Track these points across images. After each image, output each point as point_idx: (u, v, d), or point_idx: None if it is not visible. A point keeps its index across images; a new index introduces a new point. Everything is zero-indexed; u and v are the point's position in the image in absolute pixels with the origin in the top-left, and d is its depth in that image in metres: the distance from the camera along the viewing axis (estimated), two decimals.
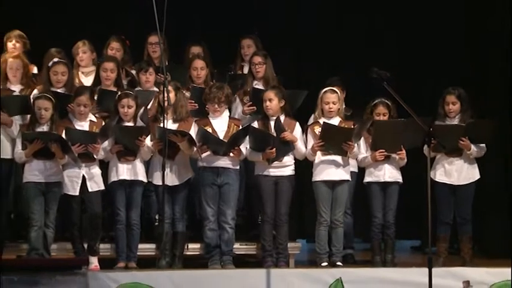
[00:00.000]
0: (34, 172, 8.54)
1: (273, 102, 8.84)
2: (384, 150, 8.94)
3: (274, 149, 8.77)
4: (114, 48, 9.59)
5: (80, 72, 9.38)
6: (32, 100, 8.72)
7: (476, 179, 9.13)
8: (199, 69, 9.33)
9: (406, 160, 9.03)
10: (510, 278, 8.43)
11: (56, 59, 9.16)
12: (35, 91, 8.90)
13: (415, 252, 10.39)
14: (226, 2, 10.79)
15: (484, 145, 9.08)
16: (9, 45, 9.36)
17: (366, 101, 9.21)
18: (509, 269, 8.42)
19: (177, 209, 8.81)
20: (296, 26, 10.97)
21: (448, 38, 10.81)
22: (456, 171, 9.06)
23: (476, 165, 9.11)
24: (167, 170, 8.41)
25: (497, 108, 10.06)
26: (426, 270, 7.55)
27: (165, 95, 8.30)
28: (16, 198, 9.05)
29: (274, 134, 8.85)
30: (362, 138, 9.03)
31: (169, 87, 8.58)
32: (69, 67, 9.15)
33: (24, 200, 8.70)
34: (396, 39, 10.99)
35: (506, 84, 10.13)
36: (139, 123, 8.84)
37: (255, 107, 9.23)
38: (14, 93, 8.86)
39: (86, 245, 8.70)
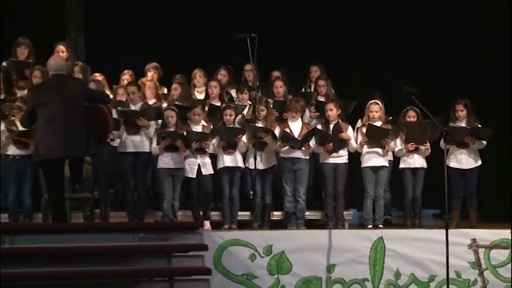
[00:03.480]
0: (165, 161, 8.65)
1: (332, 111, 8.95)
2: (414, 143, 8.95)
3: (331, 144, 8.85)
4: (222, 74, 9.68)
5: (195, 91, 9.52)
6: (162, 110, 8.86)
7: (479, 164, 9.05)
8: (279, 88, 9.41)
9: (430, 151, 8.99)
10: (505, 237, 8.36)
11: (178, 81, 9.32)
12: (165, 104, 9.04)
13: (436, 218, 10.33)
14: (300, 40, 10.96)
15: (484, 141, 9.00)
16: (148, 73, 9.59)
17: (399, 109, 9.21)
18: (505, 230, 8.37)
19: (265, 187, 8.89)
20: (350, 61, 10.93)
21: (458, 60, 10.72)
22: (464, 159, 9.01)
23: (478, 154, 9.06)
24: (258, 159, 8.61)
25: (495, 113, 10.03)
26: (444, 231, 7.58)
27: (257, 107, 8.62)
28: (153, 179, 9.18)
29: (331, 133, 8.92)
30: (398, 136, 9.03)
31: (263, 105, 8.82)
32: (188, 87, 9.29)
33: (158, 181, 8.83)
34: (421, 62, 10.91)
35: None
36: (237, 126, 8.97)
37: (318, 113, 9.32)
38: (151, 106, 9.01)
39: (201, 213, 8.80)
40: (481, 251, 8.45)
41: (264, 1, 11.11)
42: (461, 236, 8.40)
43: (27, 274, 7.01)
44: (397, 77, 9.61)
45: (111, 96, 8.99)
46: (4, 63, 9.21)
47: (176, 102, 9.08)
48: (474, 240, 8.46)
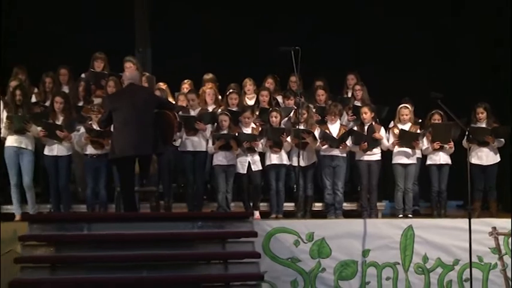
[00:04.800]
0: (219, 159, 8.69)
1: (367, 114, 8.95)
2: (439, 142, 8.89)
3: (366, 143, 8.85)
4: (269, 82, 9.68)
5: (246, 98, 9.51)
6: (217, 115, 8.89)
7: (498, 161, 8.97)
8: (321, 96, 9.43)
9: (453, 149, 8.94)
10: None
11: (231, 90, 9.35)
12: (219, 110, 9.08)
13: (459, 209, 10.14)
14: (338, 52, 10.87)
15: (503, 139, 8.92)
16: (206, 84, 9.54)
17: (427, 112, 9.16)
18: None
19: (307, 181, 8.89)
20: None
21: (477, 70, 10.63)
22: (485, 156, 8.94)
23: (498, 152, 8.98)
24: (301, 157, 8.62)
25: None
26: (467, 220, 7.57)
27: (299, 111, 8.63)
28: (210, 175, 9.17)
29: (366, 134, 8.92)
30: (425, 136, 8.98)
31: (305, 110, 8.82)
32: (239, 94, 9.30)
33: (214, 176, 8.88)
34: (447, 72, 10.79)
35: None
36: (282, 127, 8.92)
37: (355, 117, 9.34)
38: (208, 111, 9.02)
39: (251, 204, 8.83)
40: (501, 237, 8.37)
41: (308, 18, 11.10)
42: (482, 225, 8.34)
43: (102, 256, 7.14)
44: (424, 84, 9.60)
45: (173, 102, 9.05)
46: (83, 75, 9.40)
47: (229, 108, 9.13)
48: (494, 228, 8.38)
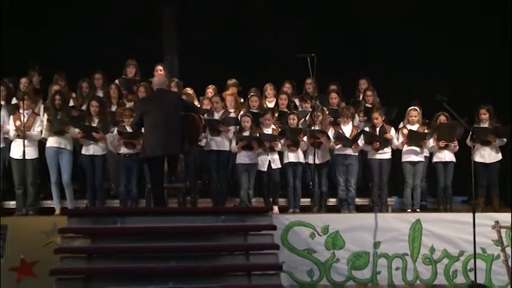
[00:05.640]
0: (242, 158, 8.72)
1: (378, 119, 8.95)
2: (444, 141, 8.89)
3: (378, 143, 8.86)
4: (287, 87, 9.68)
5: (266, 101, 9.53)
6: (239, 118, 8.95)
7: (500, 159, 8.95)
8: (334, 99, 9.45)
9: (458, 147, 8.91)
10: None
11: (252, 93, 9.39)
12: (241, 112, 9.10)
13: (464, 204, 9.93)
14: (350, 58, 10.81)
15: (504, 139, 8.89)
16: (229, 88, 9.60)
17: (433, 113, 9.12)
18: None
19: (322, 178, 8.90)
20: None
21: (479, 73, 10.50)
22: (488, 154, 8.91)
23: (500, 150, 8.95)
24: (316, 155, 8.64)
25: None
26: (471, 214, 7.54)
27: (314, 113, 8.67)
28: (232, 173, 9.19)
29: (377, 134, 8.93)
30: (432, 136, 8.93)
31: (320, 112, 8.85)
32: (260, 97, 9.33)
33: (236, 173, 8.89)
34: (449, 76, 10.60)
35: None
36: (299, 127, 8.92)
37: (366, 117, 9.33)
38: (230, 115, 9.05)
39: (271, 199, 8.84)
40: (503, 231, 8.33)
41: (322, 27, 11.10)
42: (485, 219, 8.29)
43: (134, 248, 7.17)
44: (432, 87, 9.51)
45: (198, 105, 9.08)
46: (116, 81, 9.51)
47: (251, 110, 9.16)
48: (497, 222, 8.34)
